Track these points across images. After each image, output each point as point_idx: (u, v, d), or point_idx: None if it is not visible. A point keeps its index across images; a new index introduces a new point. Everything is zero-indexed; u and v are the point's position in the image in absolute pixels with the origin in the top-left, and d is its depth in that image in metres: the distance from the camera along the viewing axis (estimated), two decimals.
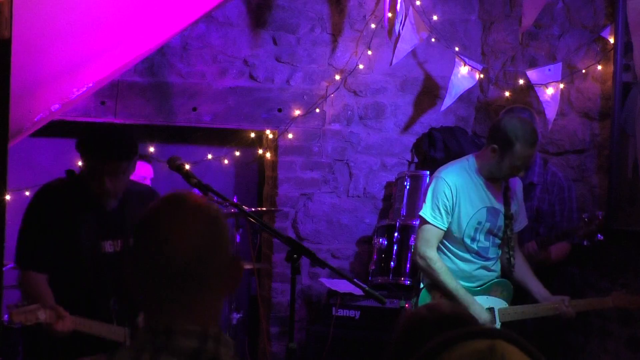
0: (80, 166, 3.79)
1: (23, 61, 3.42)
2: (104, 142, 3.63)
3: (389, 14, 5.73)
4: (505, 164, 4.29)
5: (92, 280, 3.73)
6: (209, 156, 5.91)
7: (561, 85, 5.32)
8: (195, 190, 3.31)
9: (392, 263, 5.39)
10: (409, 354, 1.83)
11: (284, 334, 5.84)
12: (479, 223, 4.39)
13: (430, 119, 6.10)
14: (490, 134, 4.41)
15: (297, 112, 5.89)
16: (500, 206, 4.44)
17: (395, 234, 5.44)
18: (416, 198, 5.41)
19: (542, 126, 5.20)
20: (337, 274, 3.43)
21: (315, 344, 5.27)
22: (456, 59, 5.64)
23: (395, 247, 5.42)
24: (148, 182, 5.38)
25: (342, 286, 5.27)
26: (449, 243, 4.43)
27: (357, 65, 5.93)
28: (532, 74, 5.41)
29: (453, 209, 4.35)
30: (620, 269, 5.06)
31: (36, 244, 3.71)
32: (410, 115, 6.11)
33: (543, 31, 5.58)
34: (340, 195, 6.03)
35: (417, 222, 4.60)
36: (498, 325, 4.40)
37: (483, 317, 4.34)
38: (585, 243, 4.78)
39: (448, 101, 5.68)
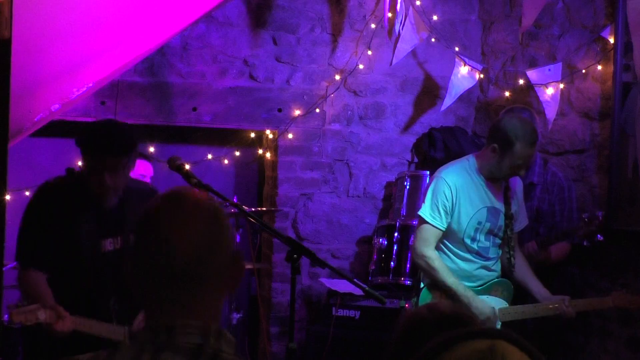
0: (80, 166, 3.79)
1: (23, 61, 3.42)
2: (104, 137, 3.63)
3: (389, 14, 5.73)
4: (506, 163, 4.29)
5: (92, 278, 3.73)
6: (209, 156, 5.91)
7: (561, 85, 5.32)
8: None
9: (392, 263, 5.39)
10: (409, 354, 1.83)
11: (284, 334, 5.84)
12: (479, 223, 4.39)
13: (430, 119, 6.10)
14: (490, 134, 4.41)
15: (297, 112, 5.89)
16: (500, 206, 4.44)
17: (395, 234, 5.44)
18: (416, 198, 5.41)
19: (542, 126, 5.20)
20: (337, 274, 3.43)
21: (315, 344, 5.27)
22: (456, 59, 5.64)
23: (395, 247, 5.42)
24: (147, 180, 5.38)
25: (342, 286, 5.27)
26: (449, 243, 4.43)
27: (357, 65, 5.93)
28: (532, 74, 5.41)
29: (453, 209, 4.35)
30: (620, 269, 5.06)
31: (36, 242, 3.71)
32: (410, 115, 6.11)
33: (543, 31, 5.58)
34: (340, 195, 6.03)
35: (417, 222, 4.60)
36: (498, 325, 4.40)
37: (486, 311, 4.34)
38: (585, 243, 4.78)
39: (448, 101, 5.68)
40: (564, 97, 5.36)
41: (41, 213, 3.73)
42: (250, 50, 5.84)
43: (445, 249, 4.44)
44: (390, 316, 5.06)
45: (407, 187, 5.59)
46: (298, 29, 5.89)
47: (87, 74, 4.15)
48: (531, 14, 5.25)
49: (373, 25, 5.91)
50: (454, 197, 4.34)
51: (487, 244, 4.45)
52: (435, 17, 5.86)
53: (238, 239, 5.40)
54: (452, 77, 5.64)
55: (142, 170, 5.38)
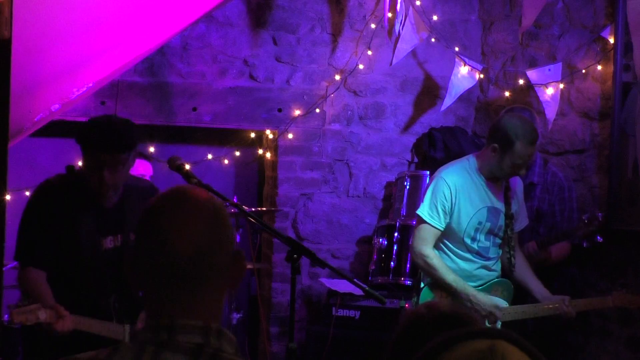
0: (80, 165, 3.79)
1: (23, 61, 3.42)
2: (104, 133, 3.62)
3: (389, 14, 5.73)
4: (506, 163, 4.29)
5: (92, 277, 3.73)
6: (209, 156, 5.91)
7: (561, 85, 5.32)
8: None
9: (392, 263, 5.39)
10: (408, 354, 1.83)
11: (284, 334, 5.84)
12: (480, 223, 4.39)
13: (430, 119, 6.10)
14: (490, 134, 4.41)
15: (297, 112, 5.89)
16: (500, 206, 4.44)
17: (395, 234, 5.44)
18: (416, 198, 5.41)
19: (542, 126, 5.20)
20: (337, 274, 3.43)
21: (315, 344, 5.27)
22: (456, 59, 5.64)
23: (395, 247, 5.42)
24: None
25: (342, 286, 5.27)
26: (449, 242, 4.43)
27: (357, 65, 5.93)
28: (532, 74, 5.41)
29: (452, 210, 4.35)
30: (620, 269, 5.06)
31: (36, 241, 3.71)
32: (410, 115, 6.11)
33: (543, 31, 5.58)
34: (340, 195, 6.03)
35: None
36: (498, 325, 4.40)
37: (489, 304, 4.34)
38: (585, 244, 4.78)
39: (448, 101, 5.68)
40: (564, 97, 5.36)
41: (41, 211, 3.73)
42: (250, 50, 5.84)
43: (445, 249, 4.44)
44: (390, 316, 5.06)
45: (407, 187, 5.59)
46: (298, 29, 5.89)
47: (87, 74, 4.15)
48: (531, 14, 5.25)
49: (373, 25, 5.91)
50: (454, 197, 4.34)
51: (487, 243, 4.45)
52: (435, 17, 5.86)
53: (238, 239, 5.40)
54: (452, 77, 5.64)
55: (141, 170, 5.38)
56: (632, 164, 5.01)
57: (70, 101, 4.28)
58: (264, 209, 6.00)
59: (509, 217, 4.44)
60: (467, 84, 5.66)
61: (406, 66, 5.99)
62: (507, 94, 5.75)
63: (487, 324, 4.33)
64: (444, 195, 4.34)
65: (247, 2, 5.83)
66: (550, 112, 5.30)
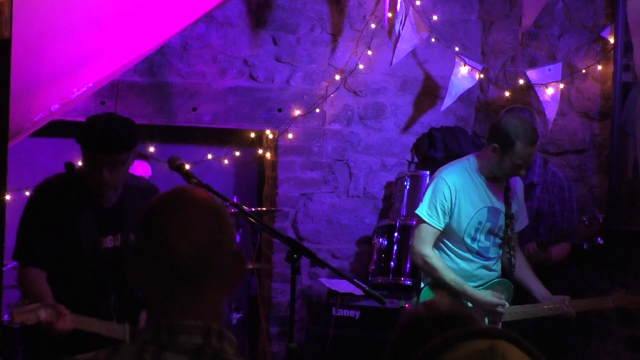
0: (80, 165, 3.79)
1: (23, 61, 3.42)
2: (104, 133, 3.62)
3: (389, 14, 5.73)
4: (506, 163, 4.29)
5: (92, 276, 3.73)
6: (209, 156, 5.91)
7: (561, 85, 5.32)
8: None
9: (392, 263, 5.39)
10: (408, 353, 1.83)
11: (284, 334, 5.84)
12: (480, 223, 4.39)
13: (430, 119, 6.10)
14: (490, 134, 4.41)
15: (297, 112, 5.89)
16: (501, 206, 4.44)
17: (395, 234, 5.44)
18: (416, 198, 5.41)
19: (542, 126, 5.19)
20: (337, 274, 3.43)
21: (315, 344, 5.27)
22: (456, 59, 5.64)
23: (395, 247, 5.42)
24: None
25: (342, 286, 5.27)
26: (449, 242, 4.43)
27: (357, 65, 5.93)
28: (532, 74, 5.41)
29: (452, 210, 4.35)
30: (620, 269, 5.05)
31: (35, 240, 3.71)
32: (410, 115, 6.11)
33: (543, 31, 5.58)
34: (340, 195, 6.03)
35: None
36: (498, 325, 4.40)
37: (488, 300, 4.34)
38: (585, 246, 4.78)
39: (448, 101, 5.68)
40: (564, 97, 5.36)
41: (41, 211, 3.73)
42: (250, 50, 5.84)
43: (445, 249, 4.44)
44: (390, 316, 5.06)
45: (407, 187, 5.59)
46: (298, 29, 5.89)
47: (87, 74, 4.15)
48: (531, 14, 5.25)
49: (373, 25, 5.91)
50: (454, 197, 4.34)
51: (488, 243, 4.45)
52: (435, 17, 5.86)
53: (238, 239, 5.40)
54: (452, 77, 5.64)
55: (140, 171, 5.37)
56: (632, 164, 5.01)
57: (70, 101, 4.28)
58: (264, 209, 6.01)
59: (509, 217, 4.44)
60: (467, 84, 5.66)
61: (406, 66, 5.99)
62: (507, 94, 5.75)
63: (486, 322, 4.33)
64: (444, 196, 4.34)
65: (247, 2, 5.83)
66: (550, 112, 5.30)
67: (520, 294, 4.57)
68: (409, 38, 5.58)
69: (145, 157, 5.62)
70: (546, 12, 5.44)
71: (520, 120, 4.35)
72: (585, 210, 5.10)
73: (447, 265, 4.37)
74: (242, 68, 5.84)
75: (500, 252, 4.53)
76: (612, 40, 5.12)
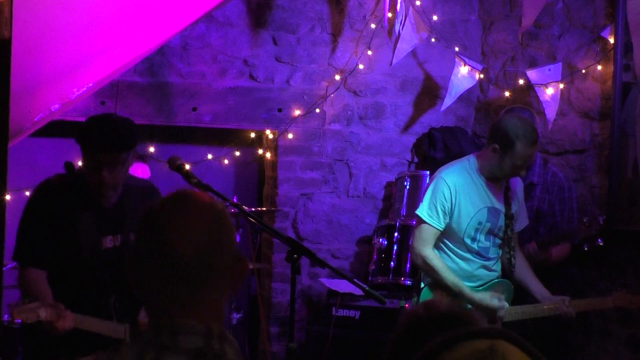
0: (80, 165, 3.79)
1: (23, 61, 3.42)
2: (103, 133, 3.62)
3: (389, 14, 5.73)
4: (507, 163, 4.29)
5: (92, 276, 3.73)
6: (209, 156, 5.91)
7: (561, 85, 5.32)
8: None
9: (392, 263, 5.39)
10: (407, 353, 1.84)
11: (284, 334, 5.84)
12: (480, 223, 4.39)
13: (430, 119, 6.10)
14: (490, 134, 4.41)
15: (297, 112, 5.89)
16: (501, 206, 4.44)
17: (395, 234, 5.44)
18: (416, 198, 5.41)
19: (542, 126, 5.19)
20: (337, 274, 3.43)
21: (315, 344, 5.27)
22: (456, 59, 5.64)
23: (395, 247, 5.42)
24: None
25: (342, 286, 5.27)
26: (449, 242, 4.43)
27: (357, 65, 5.93)
28: (532, 74, 5.41)
29: (452, 210, 4.35)
30: (620, 269, 5.05)
31: (35, 241, 3.71)
32: (410, 115, 6.11)
33: (543, 31, 5.58)
34: (340, 195, 6.03)
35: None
36: (504, 312, 4.40)
37: (487, 302, 4.34)
38: (585, 247, 4.78)
39: (448, 101, 5.68)
40: (564, 97, 5.36)
41: (41, 211, 3.73)
42: (250, 50, 5.84)
43: (445, 249, 4.44)
44: (390, 316, 5.06)
45: (407, 187, 5.59)
46: (298, 29, 5.89)
47: (87, 74, 4.15)
48: (531, 14, 5.25)
49: (373, 25, 5.91)
50: (454, 197, 4.34)
51: (487, 244, 4.45)
52: (435, 17, 5.86)
53: (238, 239, 5.40)
54: (452, 77, 5.64)
55: (139, 174, 5.36)
56: (632, 164, 5.01)
57: (70, 101, 4.28)
58: (264, 209, 6.01)
59: (509, 217, 4.44)
60: (467, 84, 5.66)
61: (406, 66, 5.99)
62: (507, 94, 5.75)
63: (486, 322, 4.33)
64: (444, 196, 4.34)
65: (247, 2, 5.83)
66: (550, 112, 5.30)
67: (520, 294, 4.57)
68: (409, 38, 5.58)
69: (144, 159, 5.61)
70: (546, 12, 5.44)
71: (520, 121, 4.35)
72: (585, 210, 5.10)
73: (447, 266, 4.37)
74: (242, 68, 5.84)
75: (500, 252, 4.53)
76: (612, 40, 5.12)
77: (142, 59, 5.17)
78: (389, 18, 5.78)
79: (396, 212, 5.59)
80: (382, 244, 5.47)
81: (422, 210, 4.38)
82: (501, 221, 4.43)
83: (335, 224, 6.00)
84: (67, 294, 3.67)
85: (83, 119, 3.80)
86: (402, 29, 5.56)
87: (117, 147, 3.61)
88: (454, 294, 4.33)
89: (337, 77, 5.93)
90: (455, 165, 4.47)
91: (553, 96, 5.31)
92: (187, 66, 5.74)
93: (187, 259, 1.59)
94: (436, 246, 4.42)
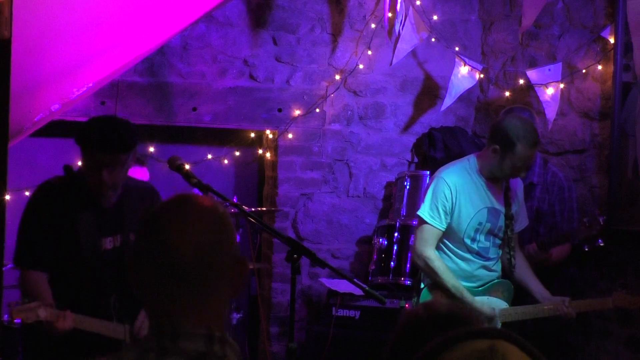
0: (79, 165, 3.79)
1: (23, 61, 3.42)
2: (103, 134, 3.62)
3: (389, 14, 5.73)
4: (507, 164, 4.29)
5: (92, 277, 3.73)
6: (209, 156, 5.91)
7: (561, 85, 5.32)
8: (196, 190, 3.32)
9: (392, 263, 5.39)
10: (407, 354, 1.83)
11: (284, 334, 5.84)
12: (480, 223, 4.39)
13: (430, 119, 6.10)
14: (491, 135, 4.41)
15: (297, 112, 5.89)
16: (501, 207, 4.44)
17: (395, 234, 5.44)
18: (416, 198, 5.41)
19: (542, 126, 5.19)
20: (337, 274, 3.43)
21: (315, 344, 5.27)
22: (456, 59, 5.64)
23: (395, 247, 5.42)
24: None
25: (342, 286, 5.27)
26: (449, 242, 4.43)
27: (357, 65, 5.93)
28: (532, 74, 5.41)
29: (452, 210, 4.35)
30: (620, 269, 5.05)
31: (35, 243, 3.71)
32: (410, 115, 6.11)
33: (543, 31, 5.58)
34: (340, 195, 6.03)
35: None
36: (498, 325, 4.40)
37: (486, 311, 4.34)
38: (585, 248, 4.78)
39: (448, 101, 5.68)
40: (564, 97, 5.36)
41: (41, 212, 3.73)
42: (250, 50, 5.84)
43: (445, 249, 4.44)
44: (390, 316, 5.06)
45: (407, 187, 5.59)
46: (298, 29, 5.89)
47: (87, 74, 4.15)
48: (531, 14, 5.25)
49: (373, 25, 5.91)
50: (454, 197, 4.34)
51: (487, 244, 4.45)
52: (435, 17, 5.86)
53: (238, 239, 5.40)
54: (452, 77, 5.64)
55: (138, 176, 5.36)
56: (632, 164, 5.01)
57: (70, 101, 4.28)
58: (264, 209, 6.01)
59: (509, 217, 4.44)
60: (467, 84, 5.66)
61: (406, 66, 5.99)
62: (507, 94, 5.75)
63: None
64: (445, 196, 4.34)
65: (247, 2, 5.83)
66: (550, 112, 5.30)
67: (520, 295, 4.57)
68: (409, 38, 5.58)
69: (143, 162, 5.60)
70: (546, 12, 5.44)
71: (521, 122, 4.35)
72: (585, 210, 5.10)
73: (449, 269, 4.36)
74: (242, 68, 5.84)
75: (500, 252, 4.53)
76: (612, 40, 5.12)
77: (142, 59, 5.17)
78: (389, 18, 5.78)
79: (396, 212, 5.59)
80: (382, 244, 5.47)
81: (424, 211, 4.38)
82: (501, 221, 4.43)
83: (335, 224, 6.00)
84: (67, 294, 3.68)
85: (83, 119, 3.81)
86: (402, 29, 5.56)
87: (117, 148, 3.61)
88: (454, 295, 4.33)
89: (337, 77, 5.93)
90: (456, 165, 4.47)
91: (553, 96, 5.31)
92: (187, 66, 5.74)
93: (187, 259, 1.59)
94: (436, 247, 4.41)
